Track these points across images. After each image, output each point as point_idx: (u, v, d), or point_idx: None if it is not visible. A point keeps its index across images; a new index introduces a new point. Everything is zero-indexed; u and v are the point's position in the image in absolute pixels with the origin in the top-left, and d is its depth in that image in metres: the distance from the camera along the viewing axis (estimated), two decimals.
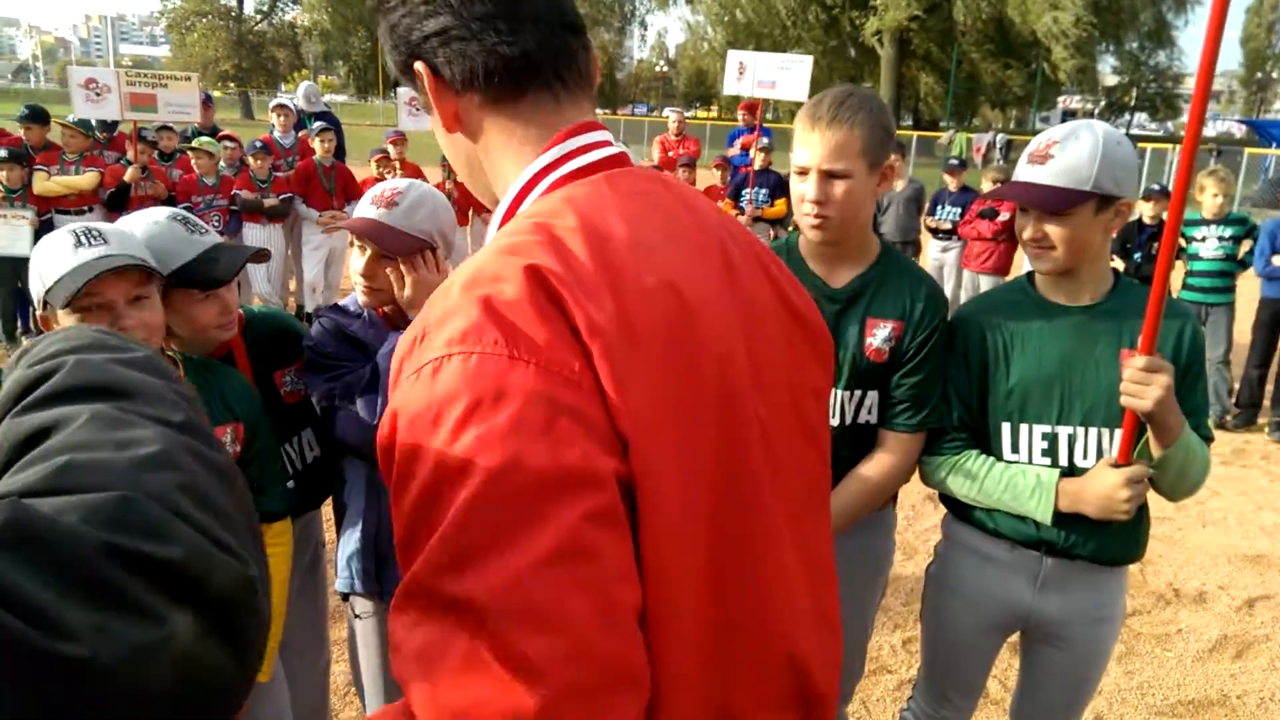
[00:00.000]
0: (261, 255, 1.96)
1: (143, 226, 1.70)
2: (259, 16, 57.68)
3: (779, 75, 7.85)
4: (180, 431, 0.58)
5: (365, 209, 1.84)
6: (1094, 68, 29.41)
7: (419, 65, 0.91)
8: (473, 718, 0.63)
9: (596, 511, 0.68)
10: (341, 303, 1.99)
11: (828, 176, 1.73)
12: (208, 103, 8.25)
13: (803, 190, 1.77)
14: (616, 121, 39.37)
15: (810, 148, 1.73)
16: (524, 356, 0.70)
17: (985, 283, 7.12)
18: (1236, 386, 6.17)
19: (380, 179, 7.49)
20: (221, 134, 7.53)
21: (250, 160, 7.02)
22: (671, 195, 0.93)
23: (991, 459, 1.85)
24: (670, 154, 9.69)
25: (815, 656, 0.92)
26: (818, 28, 28.27)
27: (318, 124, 7.47)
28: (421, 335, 0.75)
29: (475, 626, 0.64)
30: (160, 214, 1.75)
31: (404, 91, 8.44)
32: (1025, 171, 1.76)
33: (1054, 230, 1.73)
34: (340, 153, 7.74)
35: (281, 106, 7.86)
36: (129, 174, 6.43)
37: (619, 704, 0.66)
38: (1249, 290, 5.97)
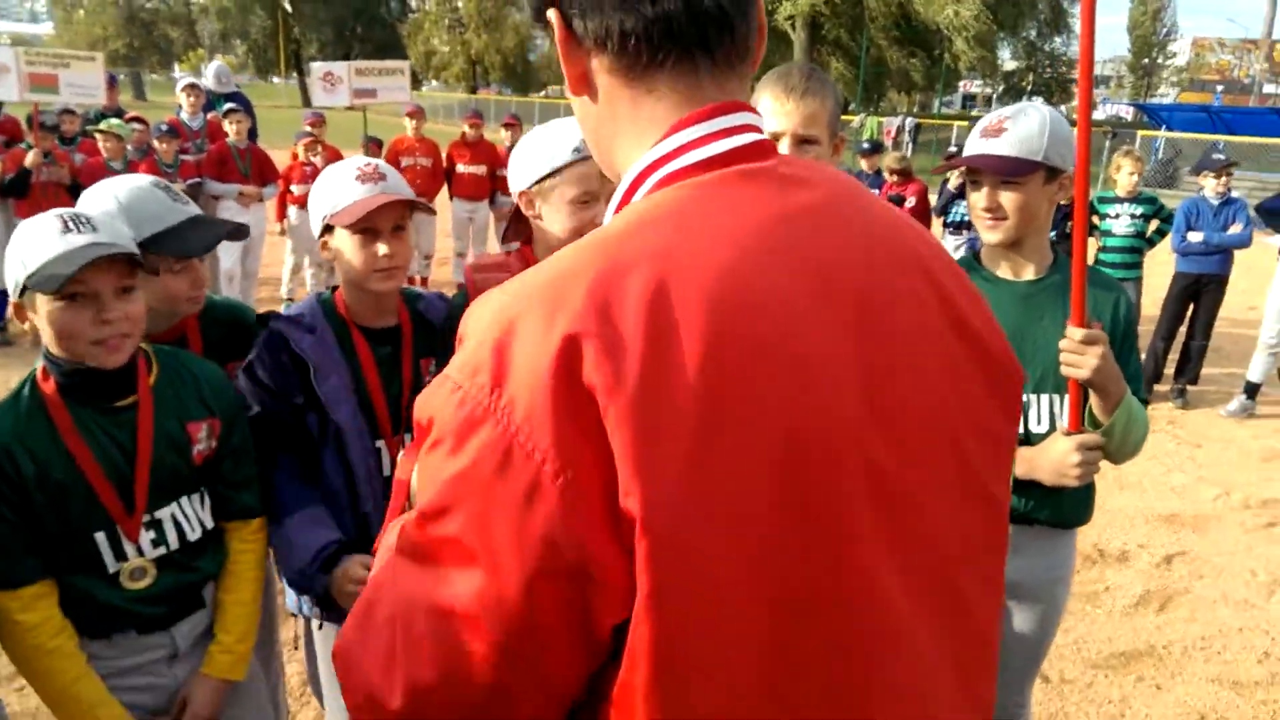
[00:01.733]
0: (240, 232, 1.91)
1: (125, 190, 1.69)
2: None
3: None
4: None
5: (359, 188, 1.73)
6: (994, 55, 30.39)
7: (552, 13, 0.81)
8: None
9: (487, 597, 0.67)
10: (296, 307, 1.88)
11: (801, 142, 1.80)
12: (112, 84, 7.83)
13: None
14: (532, 105, 38.93)
15: (785, 115, 1.78)
16: (499, 416, 0.66)
17: None
18: (1143, 357, 6.52)
19: (307, 164, 7.26)
20: (129, 115, 7.16)
21: (156, 144, 6.70)
22: (806, 199, 0.78)
23: None
24: None
25: None
26: None
27: (228, 105, 7.17)
28: (459, 340, 0.74)
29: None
30: (143, 179, 1.76)
31: (317, 67, 8.17)
32: (980, 145, 1.86)
33: (1007, 198, 1.83)
34: (253, 134, 7.46)
35: (191, 86, 7.52)
36: (29, 159, 6.05)
37: None
38: (1155, 267, 6.29)
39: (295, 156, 7.46)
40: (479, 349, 0.69)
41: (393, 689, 0.71)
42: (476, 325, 0.72)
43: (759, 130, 0.81)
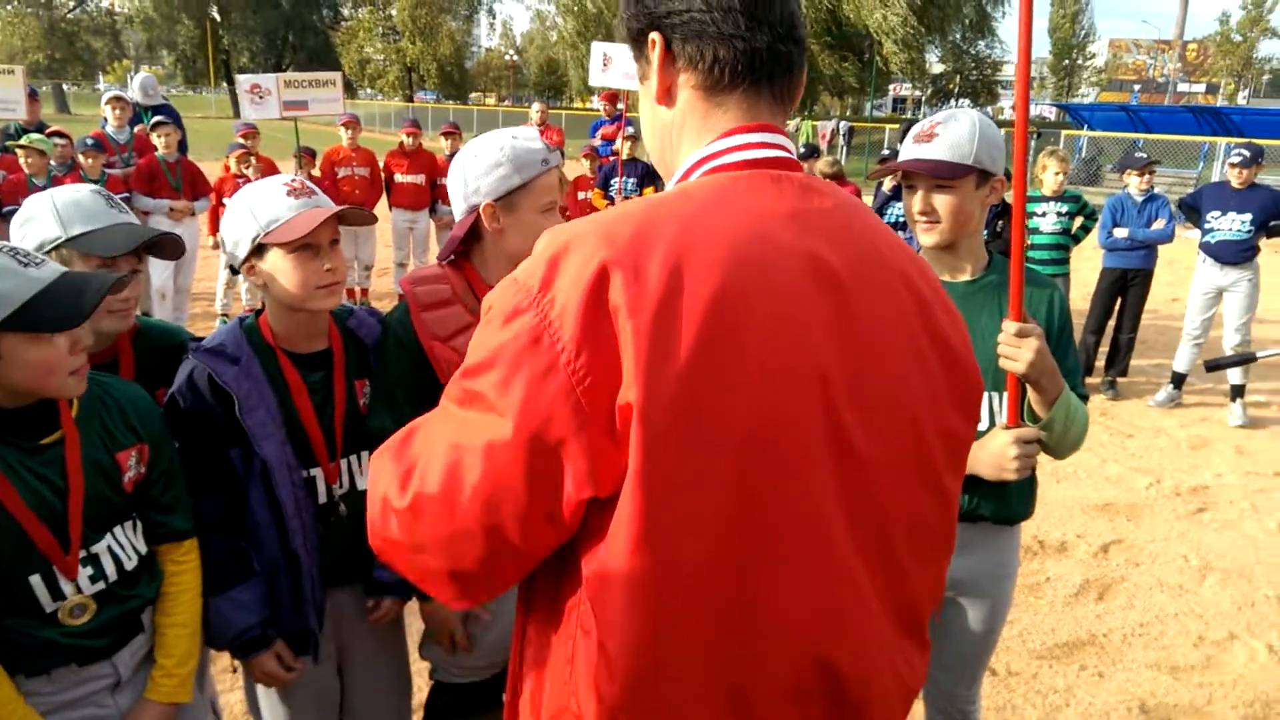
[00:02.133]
0: (176, 247, 1.84)
1: (62, 196, 1.67)
2: (72, 3, 53.15)
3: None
4: None
5: (293, 203, 1.68)
6: (922, 58, 31.10)
7: (655, 35, 0.98)
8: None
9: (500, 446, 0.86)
10: (218, 336, 1.76)
11: None
12: (33, 97, 7.54)
13: None
14: (469, 112, 38.64)
15: None
16: (540, 309, 0.85)
17: None
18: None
19: (240, 176, 7.09)
20: (50, 130, 6.90)
21: (81, 158, 6.47)
22: (818, 203, 0.96)
23: None
24: None
25: (860, 666, 0.95)
26: None
27: (157, 118, 6.97)
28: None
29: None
30: (83, 186, 1.73)
31: (244, 79, 7.99)
32: (914, 150, 1.90)
33: (941, 201, 1.88)
34: (183, 147, 7.26)
35: (118, 99, 7.28)
36: None
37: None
38: (1082, 261, 6.47)
39: (228, 169, 7.29)
40: (539, 259, 0.88)
41: (405, 493, 0.93)
42: (544, 241, 0.91)
43: (778, 147, 0.99)
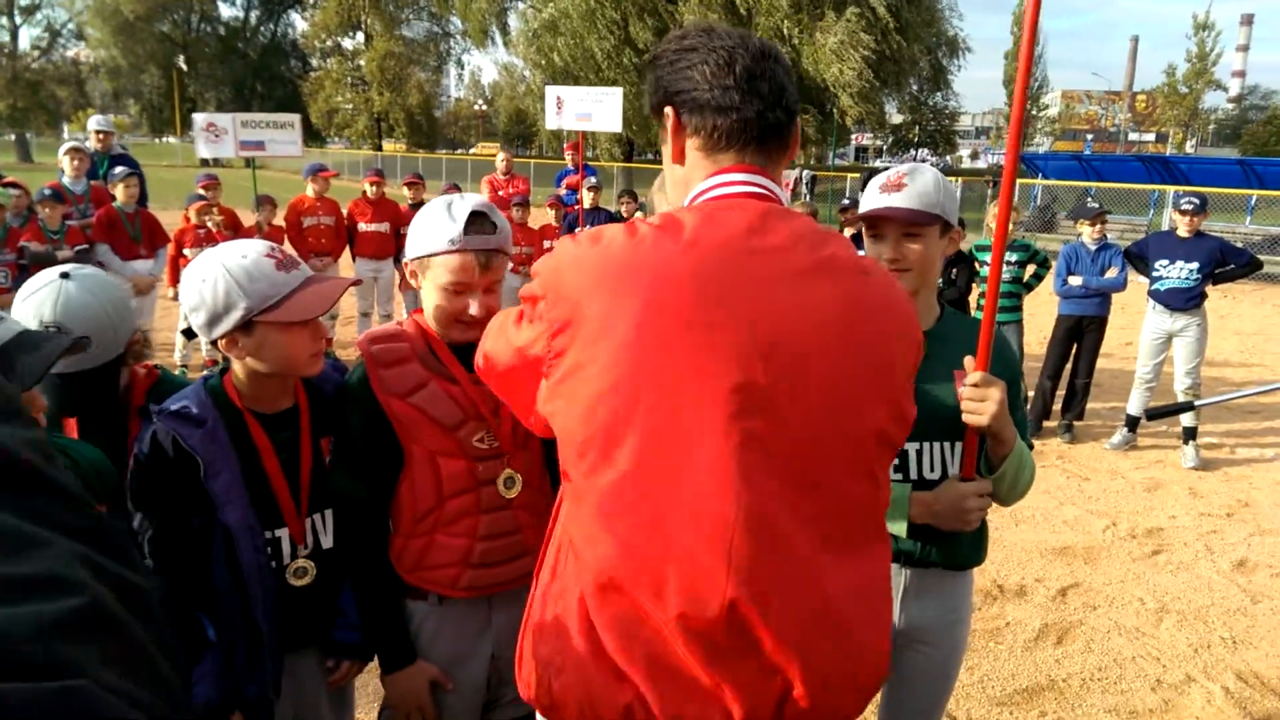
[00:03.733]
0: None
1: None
2: (36, 53, 52.94)
3: (594, 108, 8.07)
4: (89, 543, 0.50)
5: (276, 276, 1.67)
6: (880, 110, 31.87)
7: (669, 109, 1.25)
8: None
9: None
10: (181, 397, 1.72)
11: None
12: None
13: None
14: (438, 160, 38.84)
15: None
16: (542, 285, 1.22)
17: None
18: (1031, 395, 6.82)
19: (200, 227, 7.06)
20: (6, 180, 6.83)
21: (39, 209, 6.41)
22: (787, 223, 1.18)
23: None
24: (500, 193, 9.66)
25: (761, 603, 1.11)
26: (631, 69, 29.17)
27: (120, 169, 6.94)
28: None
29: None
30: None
31: (200, 118, 8.00)
32: (883, 199, 1.94)
33: (910, 249, 1.92)
34: (143, 198, 7.22)
35: (75, 150, 7.23)
36: None
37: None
38: (1039, 307, 6.59)
39: (188, 219, 7.23)
40: (544, 267, 1.23)
41: (480, 350, 1.42)
42: (558, 249, 1.24)
43: (752, 186, 1.22)
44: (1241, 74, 67.50)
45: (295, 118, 8.72)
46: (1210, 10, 45.68)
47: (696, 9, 26.96)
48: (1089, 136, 72.27)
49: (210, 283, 1.61)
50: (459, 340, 1.78)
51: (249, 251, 1.62)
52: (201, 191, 7.23)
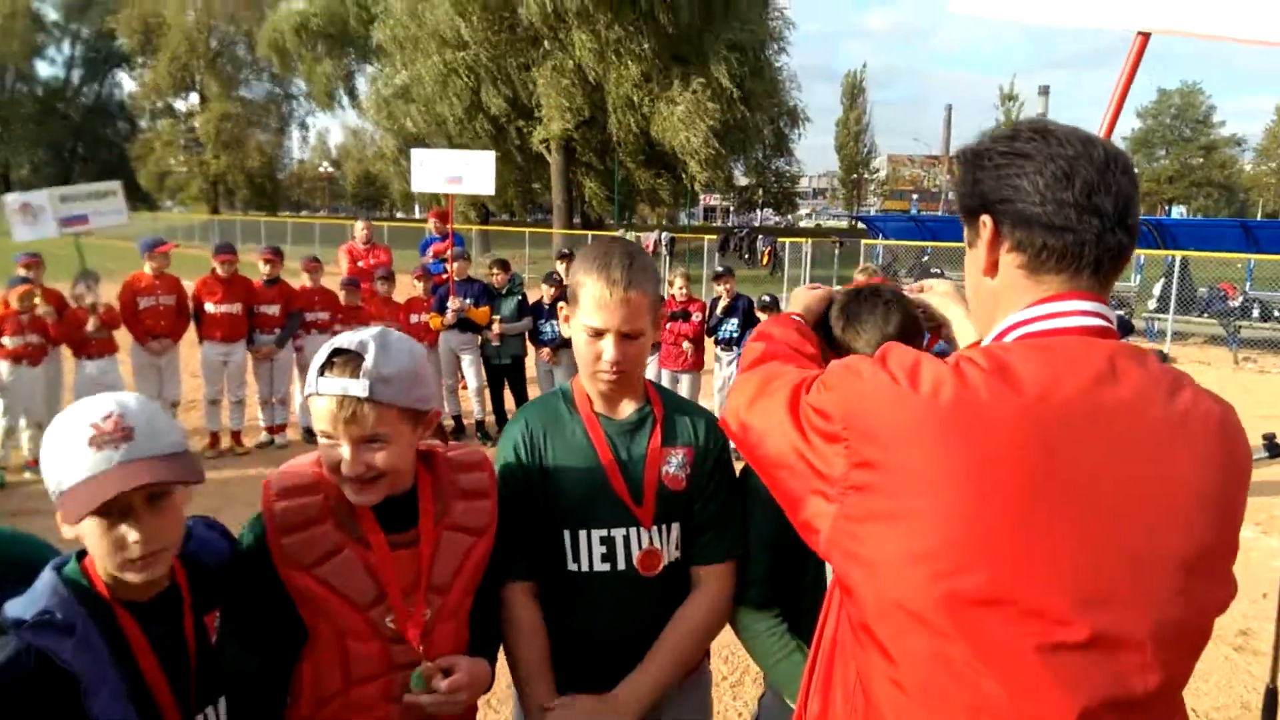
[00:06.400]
0: None
1: None
2: None
3: (464, 171, 7.94)
4: None
5: (91, 459, 1.30)
6: (728, 174, 33.17)
7: (986, 217, 1.10)
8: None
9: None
10: (40, 599, 1.30)
11: (625, 337, 1.74)
12: None
13: (600, 348, 1.74)
14: (283, 225, 37.36)
15: (608, 311, 1.71)
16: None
17: (685, 380, 7.54)
18: None
19: (23, 313, 6.38)
20: None
21: None
22: (1121, 377, 1.01)
23: (793, 643, 1.80)
24: (360, 264, 9.27)
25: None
26: (485, 136, 29.15)
27: None
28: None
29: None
30: None
31: (11, 198, 7.33)
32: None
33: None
34: None
35: None
36: None
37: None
38: None
39: (7, 305, 6.51)
40: (845, 391, 1.11)
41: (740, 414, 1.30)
42: (864, 372, 1.11)
43: (1086, 315, 1.06)
44: None
45: (116, 185, 8.11)
46: (1014, 82, 50.53)
47: (550, 77, 27.33)
48: (914, 196, 77.89)
49: (43, 444, 1.35)
50: (356, 501, 1.52)
51: (74, 421, 1.32)
52: (22, 272, 6.54)
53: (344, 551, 1.51)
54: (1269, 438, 2.20)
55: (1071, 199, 1.04)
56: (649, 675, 1.75)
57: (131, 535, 1.31)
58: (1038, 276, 1.08)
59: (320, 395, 1.46)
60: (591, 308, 1.72)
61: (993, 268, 1.12)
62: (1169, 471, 1.00)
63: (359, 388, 1.44)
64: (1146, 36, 2.07)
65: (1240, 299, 15.08)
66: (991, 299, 1.14)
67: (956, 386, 1.00)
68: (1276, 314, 14.53)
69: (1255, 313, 14.81)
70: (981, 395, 0.99)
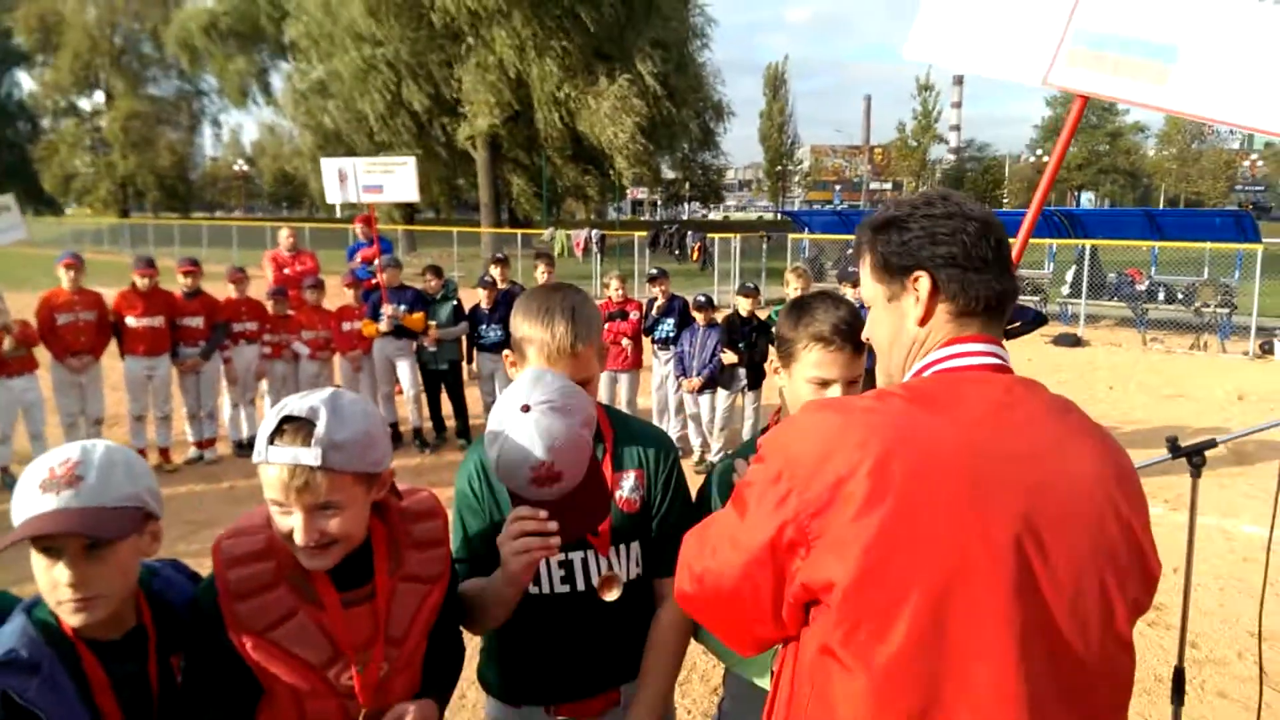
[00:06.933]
0: None
1: None
2: None
3: (384, 179, 7.81)
4: None
5: (35, 500, 1.33)
6: (656, 169, 33.30)
7: (921, 273, 1.24)
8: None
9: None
10: (6, 639, 1.35)
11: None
12: None
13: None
14: (198, 228, 36.16)
15: (559, 368, 1.74)
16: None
17: (624, 379, 7.61)
18: None
19: None
20: None
21: None
22: (1017, 402, 1.18)
23: None
24: (286, 271, 9.08)
25: None
26: (406, 134, 28.68)
27: None
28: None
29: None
30: None
31: None
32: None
33: None
34: None
35: None
36: None
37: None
38: None
39: None
40: (775, 442, 1.22)
41: (686, 578, 1.34)
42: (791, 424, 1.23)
43: (985, 355, 1.23)
44: (957, 128, 76.56)
45: (8, 198, 7.73)
46: (930, 73, 51.83)
47: (473, 72, 27.02)
48: (837, 187, 79.48)
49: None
50: (310, 567, 1.49)
51: (47, 458, 1.36)
52: None
53: (298, 615, 1.48)
54: (1172, 440, 2.37)
55: (987, 262, 1.23)
56: (645, 702, 1.82)
57: (63, 578, 1.33)
58: (960, 321, 1.25)
59: (270, 464, 1.40)
60: (535, 351, 1.77)
61: (929, 316, 1.25)
62: (1073, 469, 1.15)
63: (311, 456, 1.37)
64: (1085, 100, 2.28)
65: (1146, 283, 15.88)
66: (916, 345, 1.28)
67: (877, 404, 1.16)
68: (1180, 296, 15.31)
69: (1160, 295, 15.59)
70: (912, 415, 1.13)
